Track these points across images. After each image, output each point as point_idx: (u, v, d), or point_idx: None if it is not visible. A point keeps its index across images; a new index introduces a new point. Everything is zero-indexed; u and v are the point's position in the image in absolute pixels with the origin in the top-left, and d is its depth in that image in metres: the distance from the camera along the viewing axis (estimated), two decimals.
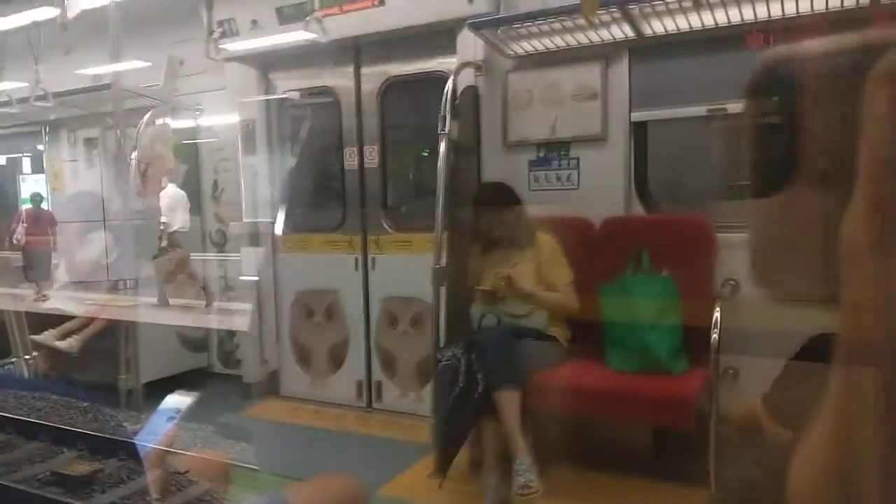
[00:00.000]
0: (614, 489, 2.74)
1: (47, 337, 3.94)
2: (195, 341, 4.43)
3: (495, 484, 2.61)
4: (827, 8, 2.46)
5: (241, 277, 4.09)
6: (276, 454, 3.32)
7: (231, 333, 4.39)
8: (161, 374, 4.06)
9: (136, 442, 1.32)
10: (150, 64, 4.26)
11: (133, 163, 3.96)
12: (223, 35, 3.77)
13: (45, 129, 5.15)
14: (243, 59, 3.93)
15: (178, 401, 1.41)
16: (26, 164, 5.83)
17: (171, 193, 4.17)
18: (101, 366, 4.05)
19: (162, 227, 4.09)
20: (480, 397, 2.66)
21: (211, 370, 4.49)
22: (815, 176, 0.33)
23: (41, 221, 4.78)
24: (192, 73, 4.29)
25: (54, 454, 2.91)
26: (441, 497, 2.77)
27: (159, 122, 4.20)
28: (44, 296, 4.36)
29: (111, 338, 3.84)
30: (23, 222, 4.71)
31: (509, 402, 2.61)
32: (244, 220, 4.06)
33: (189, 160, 4.37)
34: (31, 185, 5.63)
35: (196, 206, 4.41)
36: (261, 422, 3.84)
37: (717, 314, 2.63)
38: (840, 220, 0.26)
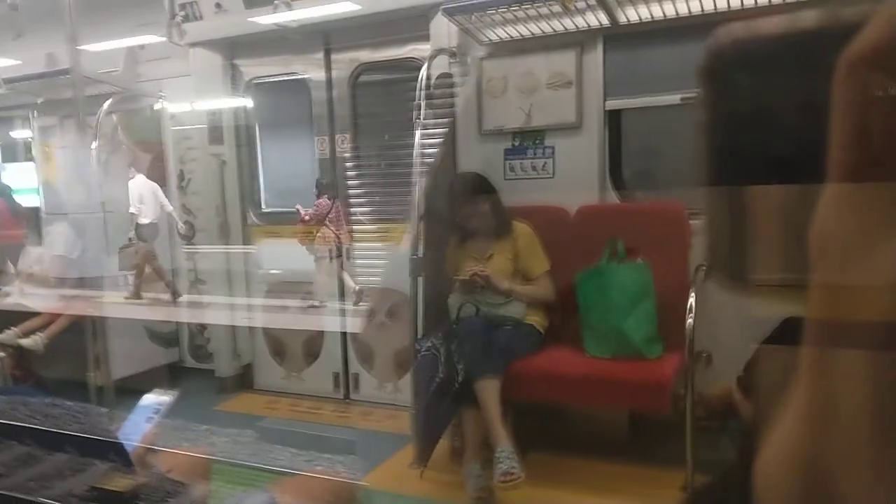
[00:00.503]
0: (594, 473, 2.78)
1: (9, 336, 3.81)
2: (165, 336, 4.34)
3: (477, 472, 2.63)
4: None
5: (263, 271, 4.01)
6: (253, 447, 3.29)
7: (202, 327, 4.31)
8: (132, 371, 3.97)
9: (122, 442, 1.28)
10: (108, 47, 4.09)
11: (94, 152, 3.81)
12: (185, 19, 3.64)
13: (32, 114, 4.76)
14: (208, 44, 3.81)
15: (156, 399, 1.37)
16: None
17: (141, 183, 4.05)
18: (70, 363, 3.93)
19: (131, 218, 3.97)
20: (460, 387, 2.67)
21: (182, 365, 4.41)
22: (771, 165, 0.33)
23: (13, 214, 4.57)
24: (154, 59, 4.14)
25: (83, 466, 2.80)
26: (422, 486, 2.79)
27: (157, 106, 4.06)
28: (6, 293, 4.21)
29: (79, 334, 3.72)
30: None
31: (489, 390, 2.63)
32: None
33: (153, 149, 4.23)
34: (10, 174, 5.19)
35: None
36: (234, 415, 3.79)
37: (691, 300, 2.67)
38: (798, 210, 0.26)
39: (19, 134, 5.21)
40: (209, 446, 3.11)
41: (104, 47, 4.02)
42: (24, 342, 3.83)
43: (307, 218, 3.72)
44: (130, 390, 3.36)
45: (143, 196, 4.02)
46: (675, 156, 3.21)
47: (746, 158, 0.33)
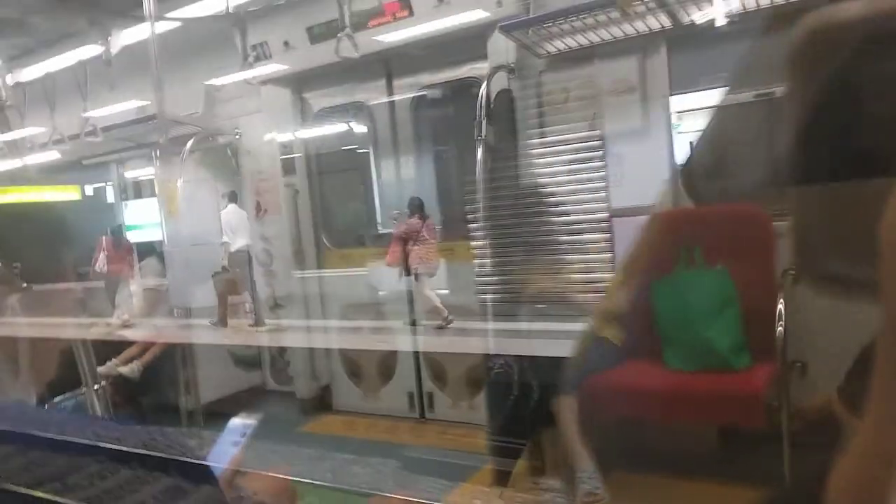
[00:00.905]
0: (683, 493, 2.65)
1: (110, 367, 4.06)
2: (248, 360, 4.51)
3: (558, 493, 2.56)
4: None
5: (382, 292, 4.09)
6: (337, 469, 3.33)
7: (282, 351, 4.45)
8: (218, 395, 4.15)
9: (210, 465, 1.32)
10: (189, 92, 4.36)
11: (180, 189, 4.06)
12: (257, 59, 3.83)
13: (155, 153, 4.72)
14: (277, 80, 3.99)
15: (242, 424, 1.41)
16: (109, 192, 5.71)
17: (232, 211, 4.20)
18: (163, 389, 4.15)
19: (223, 247, 4.12)
20: (536, 405, 2.62)
21: (265, 388, 4.56)
22: (869, 159, 0.29)
23: (121, 249, 4.85)
24: (230, 98, 4.38)
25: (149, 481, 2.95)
26: None
27: (267, 137, 4.26)
28: (128, 321, 4.46)
29: (170, 361, 3.93)
30: (104, 250, 4.77)
31: (566, 408, 2.56)
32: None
33: (232, 184, 4.45)
34: (134, 211, 5.37)
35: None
36: (317, 436, 3.87)
37: (780, 306, 2.52)
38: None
39: (136, 172, 5.56)
40: (351, 476, 3.19)
41: (186, 92, 4.29)
42: (123, 370, 4.08)
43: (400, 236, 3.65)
44: (218, 413, 3.53)
45: (233, 225, 4.16)
46: (752, 155, 3.06)
47: (838, 152, 0.30)
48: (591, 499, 2.42)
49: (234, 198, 4.26)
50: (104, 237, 4.86)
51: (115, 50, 3.60)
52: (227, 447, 1.33)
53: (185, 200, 4.11)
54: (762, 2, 2.56)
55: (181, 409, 3.80)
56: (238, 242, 4.22)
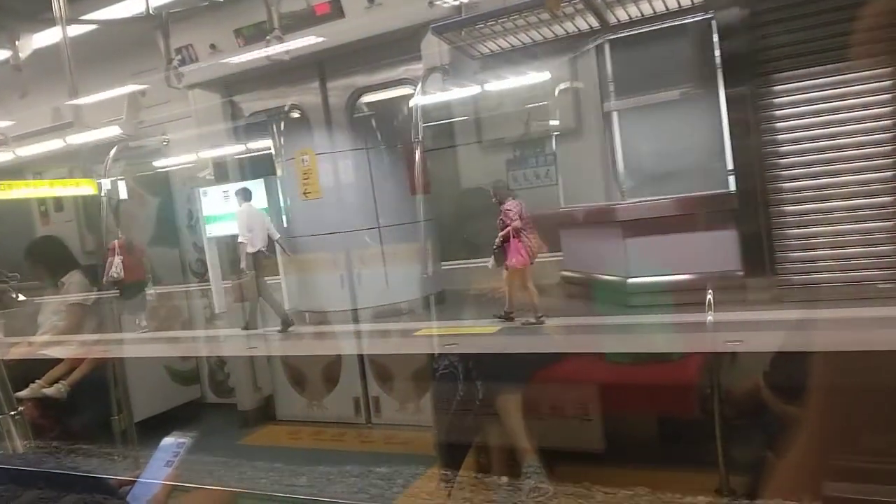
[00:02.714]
0: (625, 480, 2.72)
1: (34, 389, 3.84)
2: (185, 374, 4.36)
3: (505, 489, 2.58)
4: None
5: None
6: (281, 480, 3.26)
7: (222, 362, 4.32)
8: (154, 411, 3.99)
9: (139, 488, 1.27)
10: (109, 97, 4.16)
11: (104, 199, 3.87)
12: (182, 62, 3.70)
13: (278, 126, 3.94)
14: (206, 84, 3.86)
15: (175, 443, 1.36)
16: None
17: (248, 211, 3.75)
18: (95, 408, 3.95)
19: (240, 248, 3.67)
20: (481, 403, 2.64)
21: (204, 401, 4.42)
22: None
23: (134, 252, 4.25)
24: (156, 104, 4.21)
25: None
26: None
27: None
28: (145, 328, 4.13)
29: (102, 379, 3.75)
30: (117, 254, 4.10)
31: (511, 405, 2.59)
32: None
33: (161, 191, 4.29)
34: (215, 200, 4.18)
35: (174, 237, 4.34)
36: (260, 448, 3.78)
37: (708, 296, 2.62)
38: None
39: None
40: (294, 486, 3.10)
41: (105, 97, 4.09)
42: (48, 391, 3.86)
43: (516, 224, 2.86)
44: (155, 431, 3.38)
45: (251, 224, 3.75)
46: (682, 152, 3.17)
47: None
48: (537, 493, 2.45)
49: (248, 196, 3.76)
50: (116, 240, 4.21)
51: (24, 54, 3.39)
52: (160, 466, 1.28)
53: (331, 179, 3.47)
54: (683, 3, 2.65)
55: (113, 429, 3.63)
56: (257, 243, 3.72)
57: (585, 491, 2.63)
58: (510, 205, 2.83)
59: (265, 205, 3.78)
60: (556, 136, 3.31)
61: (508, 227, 2.79)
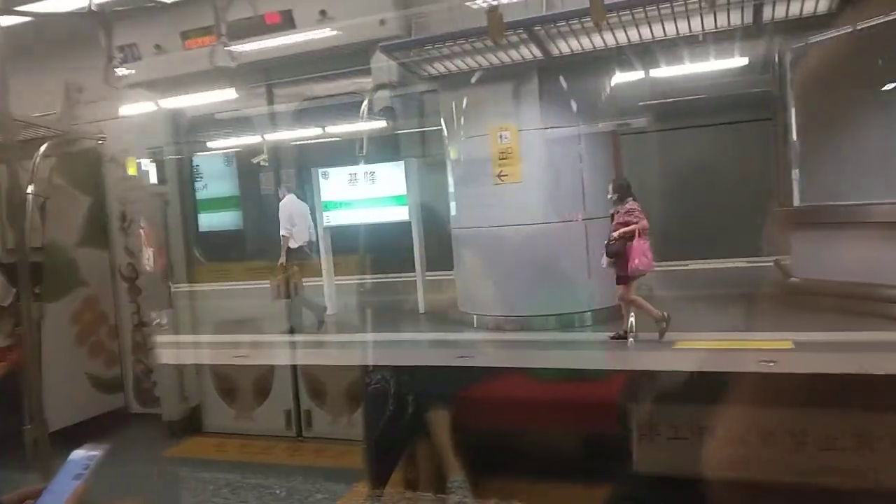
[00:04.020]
0: (548, 495, 2.78)
1: None
2: (108, 381, 4.19)
3: (430, 502, 2.60)
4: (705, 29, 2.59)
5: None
6: (205, 494, 3.18)
7: (149, 371, 4.18)
8: (72, 420, 3.81)
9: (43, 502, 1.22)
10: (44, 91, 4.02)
11: (30, 197, 3.71)
12: (124, 60, 3.60)
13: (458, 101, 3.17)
14: (147, 84, 3.77)
15: (86, 455, 1.31)
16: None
17: (289, 202, 3.52)
18: (7, 416, 3.75)
19: (282, 241, 3.45)
20: (411, 418, 2.66)
21: (128, 411, 4.26)
22: None
23: (159, 241, 3.95)
24: (93, 101, 4.08)
25: None
26: None
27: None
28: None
29: (14, 386, 3.56)
30: (147, 245, 3.78)
31: (440, 420, 2.62)
32: None
33: (93, 191, 4.14)
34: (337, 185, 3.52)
35: (104, 240, 4.19)
36: (184, 461, 3.66)
37: (630, 318, 2.72)
38: None
39: None
40: (217, 500, 3.00)
41: (40, 92, 3.94)
42: None
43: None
44: (72, 440, 3.21)
45: (293, 217, 3.52)
46: None
47: None
48: None
49: (293, 186, 3.54)
50: (141, 227, 3.86)
51: None
52: (67, 479, 1.23)
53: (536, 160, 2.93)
54: (621, 39, 2.78)
55: (26, 440, 3.44)
56: (300, 238, 3.51)
57: None
58: (634, 203, 2.62)
59: (401, 191, 3.27)
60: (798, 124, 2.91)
61: (634, 226, 2.56)
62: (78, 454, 1.30)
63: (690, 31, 2.63)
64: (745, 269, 3.15)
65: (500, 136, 3.02)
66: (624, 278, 2.63)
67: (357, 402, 3.53)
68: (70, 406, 3.84)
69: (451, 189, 3.20)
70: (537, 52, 2.90)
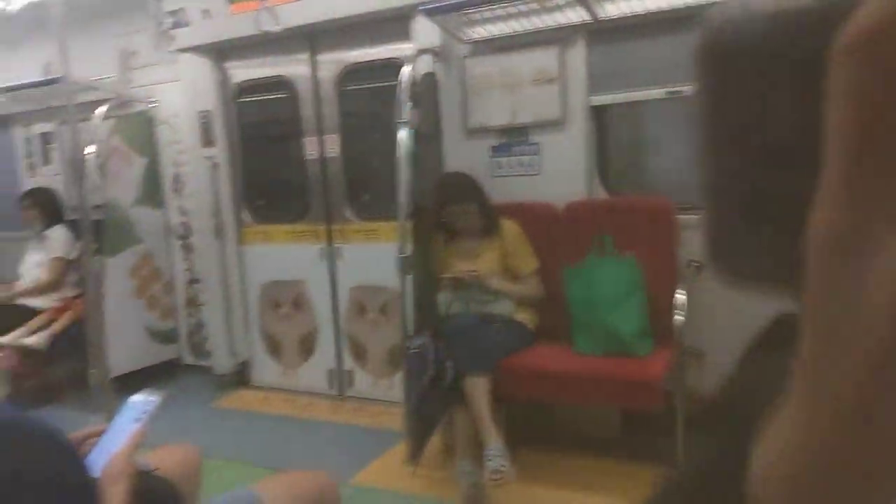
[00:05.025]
0: (585, 470, 2.80)
1: (14, 337, 3.88)
2: (163, 333, 4.40)
3: (468, 470, 2.65)
4: None
5: None
6: (249, 444, 3.34)
7: (200, 325, 4.36)
8: (131, 367, 4.05)
9: (105, 442, 1.29)
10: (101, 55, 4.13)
11: (91, 157, 3.86)
12: (174, 25, 3.65)
13: None
14: (196, 49, 3.82)
15: (144, 400, 1.38)
16: None
17: None
18: (73, 360, 4.01)
19: None
20: (450, 384, 2.69)
21: (181, 362, 4.47)
22: (771, 158, 0.30)
23: None
24: (146, 65, 4.17)
25: None
26: (414, 484, 2.81)
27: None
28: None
29: (81, 333, 3.79)
30: None
31: (478, 388, 2.65)
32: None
33: (148, 153, 4.27)
34: None
35: (159, 200, 4.34)
36: (232, 411, 3.84)
37: (680, 295, 2.67)
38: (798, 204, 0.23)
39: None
40: (262, 451, 3.11)
41: (97, 56, 4.05)
42: (28, 341, 3.90)
43: None
44: (130, 387, 3.42)
45: None
46: (663, 150, 3.20)
47: (742, 151, 0.31)
48: (498, 476, 2.52)
49: None
50: None
51: (15, 6, 3.34)
52: (127, 422, 1.31)
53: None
54: (675, 2, 2.64)
55: (89, 382, 3.68)
56: None
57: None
58: None
59: None
60: None
61: None
62: (137, 399, 1.38)
63: None
64: None
65: None
66: None
67: (396, 366, 3.59)
68: (129, 354, 4.06)
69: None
70: (585, 15, 2.80)
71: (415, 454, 2.85)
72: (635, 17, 2.77)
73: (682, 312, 2.65)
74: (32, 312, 4.07)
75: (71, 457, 0.69)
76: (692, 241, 2.81)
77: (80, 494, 0.68)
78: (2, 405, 0.71)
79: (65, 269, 4.23)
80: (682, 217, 2.82)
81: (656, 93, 2.88)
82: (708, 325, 2.78)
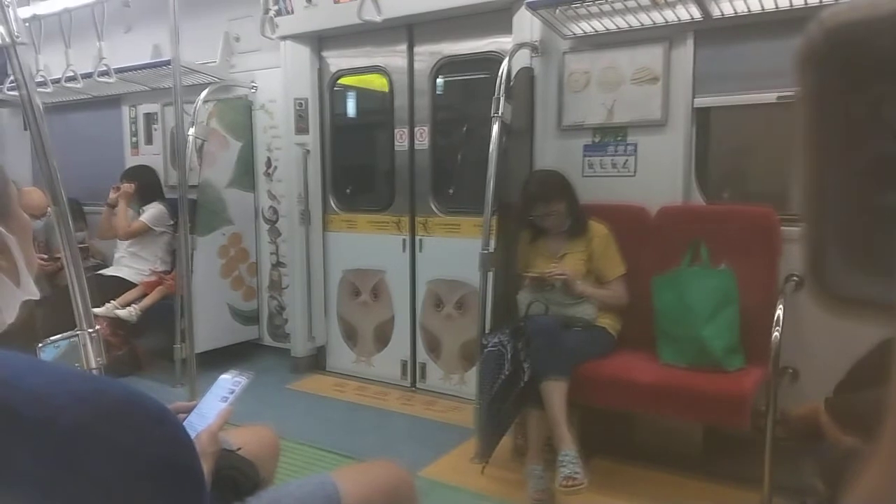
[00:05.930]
0: (662, 486, 2.69)
1: (108, 308, 4.10)
2: (245, 313, 4.54)
3: (539, 473, 2.59)
4: None
5: None
6: (321, 428, 3.39)
7: (281, 308, 4.48)
8: (213, 345, 4.20)
9: (193, 418, 1.33)
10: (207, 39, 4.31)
11: (191, 138, 4.04)
12: (278, 13, 3.77)
13: None
14: (297, 37, 3.93)
15: (232, 380, 1.41)
16: None
17: None
18: (160, 334, 4.20)
19: None
20: (526, 386, 2.64)
21: (260, 343, 4.61)
22: (881, 168, 0.27)
23: None
24: (248, 51, 4.33)
25: None
26: (483, 482, 2.78)
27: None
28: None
29: (170, 308, 3.97)
30: None
31: (555, 391, 2.58)
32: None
33: (243, 137, 4.43)
34: None
35: (251, 183, 4.49)
36: (306, 394, 3.92)
37: (778, 311, 2.51)
38: None
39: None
40: (336, 437, 3.17)
41: (203, 40, 4.23)
42: (120, 313, 4.12)
43: None
44: (212, 363, 3.59)
45: None
46: (771, 157, 3.02)
47: (851, 161, 0.28)
48: (571, 482, 2.45)
49: None
50: None
51: None
52: (215, 400, 1.34)
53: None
54: (795, 2, 2.49)
55: (175, 357, 3.85)
56: None
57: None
58: None
59: None
60: None
61: None
62: (225, 378, 1.41)
63: None
64: None
65: None
66: None
67: (469, 362, 3.57)
68: (212, 333, 4.22)
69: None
70: (696, 13, 2.68)
71: (485, 452, 2.82)
72: (749, 16, 2.63)
73: (778, 329, 2.50)
74: (126, 285, 4.29)
75: (183, 438, 0.70)
76: (794, 255, 2.64)
77: (189, 476, 0.69)
78: (116, 382, 0.72)
79: (140, 235, 4.39)
80: (786, 229, 2.66)
81: (766, 97, 2.73)
82: (805, 343, 2.61)
